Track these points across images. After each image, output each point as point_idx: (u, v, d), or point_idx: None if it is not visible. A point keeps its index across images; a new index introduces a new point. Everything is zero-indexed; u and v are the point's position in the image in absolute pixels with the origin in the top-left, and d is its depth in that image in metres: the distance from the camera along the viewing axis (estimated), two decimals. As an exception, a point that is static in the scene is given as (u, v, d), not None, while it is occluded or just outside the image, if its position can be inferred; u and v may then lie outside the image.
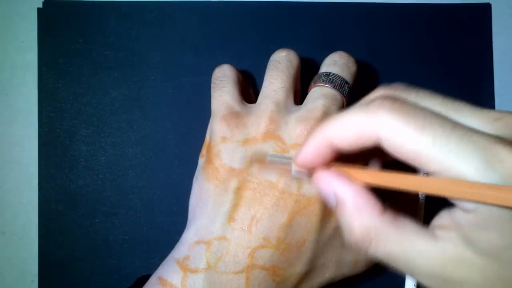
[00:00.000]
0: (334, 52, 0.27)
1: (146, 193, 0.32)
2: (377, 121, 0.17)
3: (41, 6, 0.33)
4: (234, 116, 0.25)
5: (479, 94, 0.32)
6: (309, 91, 0.27)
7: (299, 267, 0.24)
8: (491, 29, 0.33)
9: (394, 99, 0.17)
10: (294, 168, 0.21)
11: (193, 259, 0.24)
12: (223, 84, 0.27)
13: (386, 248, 0.18)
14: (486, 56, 0.33)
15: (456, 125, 0.16)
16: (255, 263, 0.23)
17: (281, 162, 0.23)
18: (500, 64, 0.33)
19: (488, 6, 0.33)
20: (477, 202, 0.16)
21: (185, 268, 0.24)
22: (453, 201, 0.17)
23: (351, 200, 0.19)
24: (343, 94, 0.26)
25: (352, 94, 0.27)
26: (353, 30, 0.33)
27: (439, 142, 0.16)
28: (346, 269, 0.26)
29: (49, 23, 0.32)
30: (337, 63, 0.27)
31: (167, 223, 0.32)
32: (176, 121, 0.32)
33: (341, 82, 0.26)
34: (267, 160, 0.23)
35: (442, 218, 0.18)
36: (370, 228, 0.18)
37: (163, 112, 0.32)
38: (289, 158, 0.22)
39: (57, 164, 0.32)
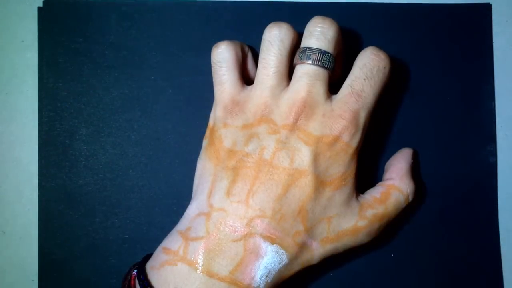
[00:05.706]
0: (311, 20, 0.27)
1: (146, 193, 0.32)
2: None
3: (41, 5, 0.33)
4: (235, 105, 0.27)
5: (479, 94, 0.32)
6: (294, 68, 0.27)
7: (296, 237, 0.25)
8: (491, 29, 0.33)
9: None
10: None
11: (194, 229, 0.26)
12: (223, 72, 0.28)
13: None
14: (486, 56, 0.33)
15: None
16: (252, 232, 0.25)
17: None
18: (500, 64, 0.33)
19: (488, 6, 0.33)
20: None
21: (187, 237, 0.25)
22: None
23: None
24: (324, 66, 0.26)
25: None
26: (353, 30, 0.33)
27: None
28: (346, 239, 0.27)
29: (49, 22, 0.33)
30: (312, 34, 0.27)
31: (167, 223, 0.32)
32: (176, 121, 0.32)
33: (318, 55, 0.26)
34: None
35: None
36: None
37: (163, 112, 0.32)
38: None
39: (57, 164, 0.32)
